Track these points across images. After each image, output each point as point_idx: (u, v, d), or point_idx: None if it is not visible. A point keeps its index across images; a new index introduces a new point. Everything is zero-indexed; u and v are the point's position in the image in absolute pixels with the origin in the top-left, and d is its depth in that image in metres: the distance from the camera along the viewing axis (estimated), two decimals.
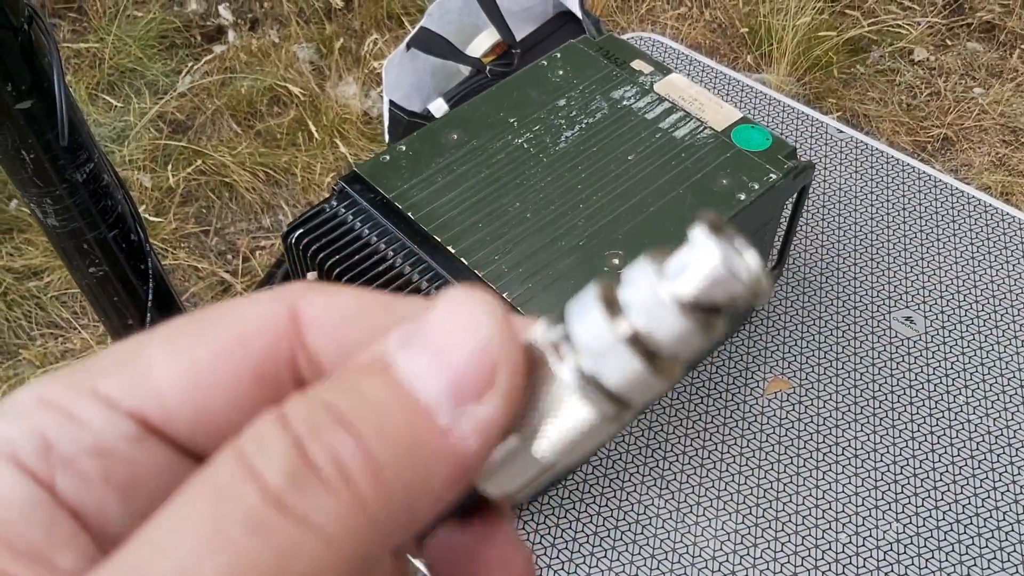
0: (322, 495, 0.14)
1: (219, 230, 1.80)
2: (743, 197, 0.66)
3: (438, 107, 1.52)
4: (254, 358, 0.18)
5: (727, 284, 0.15)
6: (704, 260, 0.15)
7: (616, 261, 0.63)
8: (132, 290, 0.63)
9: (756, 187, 0.67)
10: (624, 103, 0.73)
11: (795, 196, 0.74)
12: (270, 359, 0.18)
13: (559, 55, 0.77)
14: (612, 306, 0.16)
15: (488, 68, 1.57)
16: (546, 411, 0.17)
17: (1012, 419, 0.76)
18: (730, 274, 0.15)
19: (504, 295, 0.61)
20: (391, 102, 1.49)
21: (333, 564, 0.14)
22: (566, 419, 0.16)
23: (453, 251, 0.63)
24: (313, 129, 1.91)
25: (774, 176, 0.67)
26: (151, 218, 1.74)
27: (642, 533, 0.70)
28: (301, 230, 0.65)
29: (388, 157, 0.68)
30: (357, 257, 0.63)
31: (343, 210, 0.66)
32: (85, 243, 0.59)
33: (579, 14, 1.64)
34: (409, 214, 0.65)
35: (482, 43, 1.63)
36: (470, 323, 0.16)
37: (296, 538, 0.14)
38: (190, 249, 1.76)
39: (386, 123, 1.52)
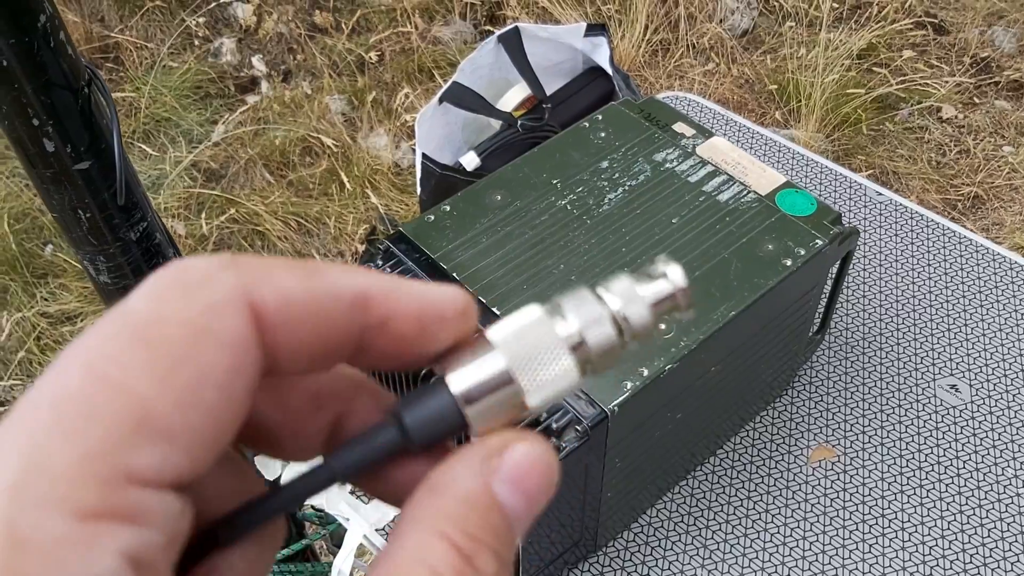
0: None
1: None
2: (789, 263, 0.66)
3: (469, 160, 1.53)
4: (245, 381, 0.19)
5: (681, 295, 0.23)
6: (671, 277, 0.23)
7: (662, 326, 0.62)
8: None
9: (802, 253, 0.66)
10: (667, 166, 0.72)
11: (839, 262, 0.73)
12: (255, 372, 0.19)
13: (600, 117, 0.77)
14: (598, 296, 0.23)
15: (519, 122, 1.58)
16: (536, 358, 0.22)
17: None
18: (683, 295, 0.23)
19: None
20: (423, 155, 1.50)
21: None
22: (553, 366, 0.22)
23: (497, 312, 0.63)
24: (345, 179, 1.92)
25: (820, 242, 0.67)
26: None
27: None
28: None
29: (433, 217, 0.68)
30: None
31: (388, 270, 0.65)
32: None
33: (609, 70, 1.66)
34: (454, 274, 0.65)
35: (513, 97, 1.64)
36: (547, 479, 0.22)
37: None
38: None
39: (418, 175, 1.53)
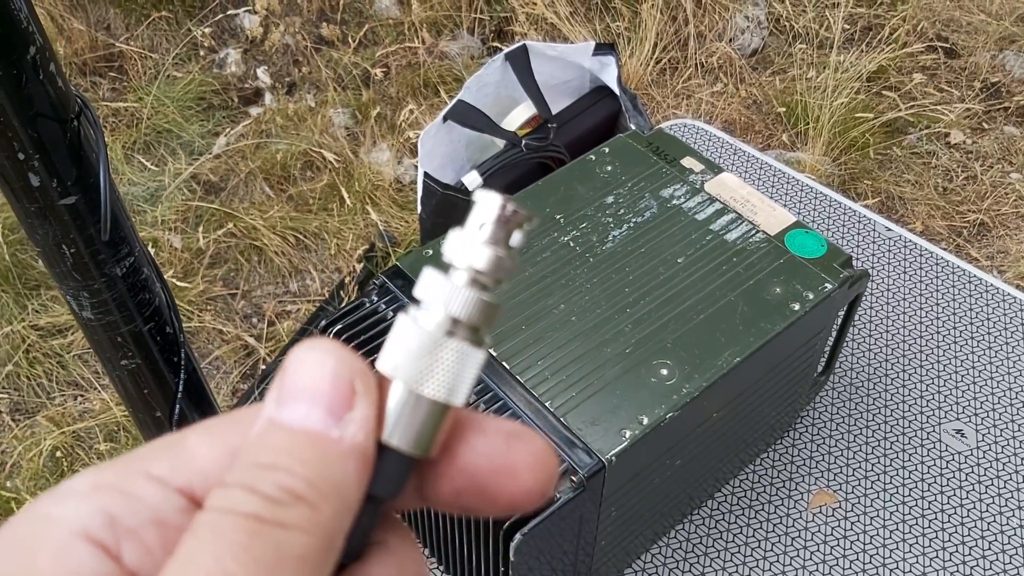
0: (291, 509, 0.19)
1: (246, 293, 1.79)
2: (797, 307, 0.64)
3: (472, 179, 1.52)
4: None
5: (511, 218, 0.22)
6: (490, 208, 0.22)
7: (664, 372, 0.60)
8: (163, 382, 0.62)
9: (811, 297, 0.65)
10: (674, 202, 0.71)
11: (847, 304, 0.72)
12: None
13: (607, 150, 0.75)
14: (444, 270, 0.23)
15: (523, 142, 1.57)
16: (426, 361, 0.22)
17: None
18: (509, 212, 0.22)
19: (547, 403, 0.59)
20: (425, 174, 1.49)
21: (313, 546, 0.19)
22: (444, 358, 0.22)
23: (494, 353, 0.61)
24: (345, 195, 1.91)
25: (829, 286, 0.65)
26: (178, 283, 1.73)
27: None
28: (340, 325, 0.63)
29: (431, 251, 0.67)
30: None
31: (383, 306, 0.64)
32: (119, 336, 0.57)
33: (616, 89, 1.64)
34: None
35: (518, 116, 1.63)
36: (318, 365, 0.21)
37: (283, 536, 0.19)
38: (216, 311, 1.75)
39: (419, 194, 1.52)
